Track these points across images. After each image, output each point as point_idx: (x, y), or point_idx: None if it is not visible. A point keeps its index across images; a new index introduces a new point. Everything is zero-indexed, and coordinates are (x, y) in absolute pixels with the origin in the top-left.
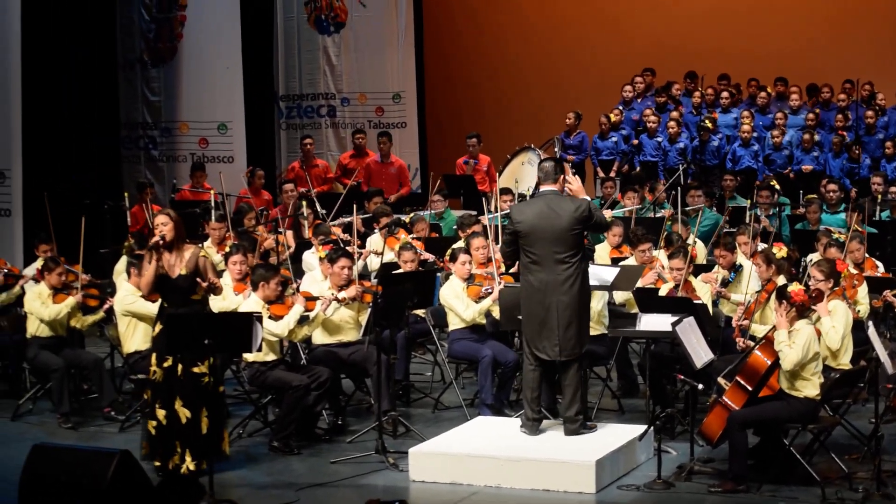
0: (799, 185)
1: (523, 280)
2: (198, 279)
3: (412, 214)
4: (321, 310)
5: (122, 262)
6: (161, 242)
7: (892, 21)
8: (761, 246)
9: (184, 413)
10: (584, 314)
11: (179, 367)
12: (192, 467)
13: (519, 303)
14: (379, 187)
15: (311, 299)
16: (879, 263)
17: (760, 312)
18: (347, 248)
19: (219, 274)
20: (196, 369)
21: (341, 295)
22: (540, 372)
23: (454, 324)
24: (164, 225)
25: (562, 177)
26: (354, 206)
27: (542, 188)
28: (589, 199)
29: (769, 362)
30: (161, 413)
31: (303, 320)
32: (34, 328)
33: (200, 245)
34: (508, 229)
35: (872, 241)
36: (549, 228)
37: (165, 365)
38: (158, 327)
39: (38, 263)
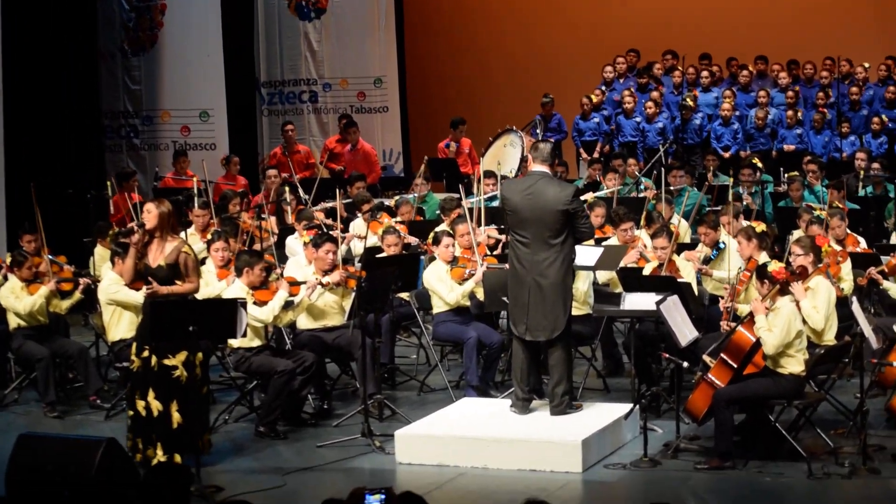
0: (781, 163)
1: (509, 258)
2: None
3: (397, 198)
4: (306, 295)
5: (99, 249)
6: (136, 229)
7: None
8: (744, 224)
9: (155, 406)
10: (558, 298)
11: (153, 358)
12: (162, 460)
13: (503, 284)
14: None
15: (295, 284)
16: (861, 239)
17: (745, 293)
18: (331, 232)
19: (200, 263)
20: (167, 361)
21: (326, 279)
22: (528, 351)
23: (438, 306)
24: (148, 212)
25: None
26: (338, 191)
27: (534, 167)
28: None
29: (754, 339)
30: (140, 404)
31: (287, 305)
32: (15, 321)
33: (186, 241)
34: (501, 206)
35: (855, 218)
36: (532, 208)
37: (143, 355)
38: (139, 318)
39: (8, 259)
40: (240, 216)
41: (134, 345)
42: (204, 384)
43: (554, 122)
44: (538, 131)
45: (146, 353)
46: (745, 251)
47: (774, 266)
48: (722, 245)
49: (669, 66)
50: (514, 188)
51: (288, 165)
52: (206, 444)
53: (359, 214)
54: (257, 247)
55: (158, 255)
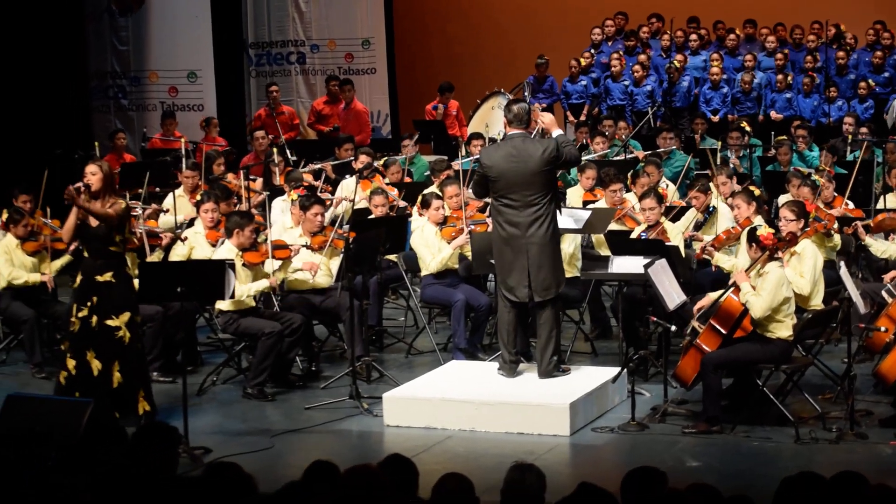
0: (770, 127)
1: (494, 223)
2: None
3: (385, 158)
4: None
5: None
6: (82, 189)
7: None
8: (737, 187)
9: (95, 365)
10: (555, 255)
11: (94, 318)
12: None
13: (490, 247)
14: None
15: (282, 248)
16: (849, 202)
17: (732, 247)
18: (319, 194)
19: (189, 225)
20: (110, 322)
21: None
22: (515, 314)
23: (426, 269)
24: (92, 174)
25: (533, 117)
26: (336, 152)
27: (511, 131)
28: (561, 132)
29: (743, 305)
30: (71, 363)
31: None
32: (4, 281)
33: (125, 202)
34: (478, 172)
35: (842, 182)
36: (517, 171)
37: (81, 315)
38: (79, 278)
39: (4, 216)
40: (225, 177)
41: (74, 306)
42: (138, 341)
43: (547, 85)
44: (527, 94)
45: (84, 313)
46: (744, 214)
47: (763, 231)
48: (712, 209)
49: (655, 30)
50: (494, 154)
51: (274, 127)
52: (148, 413)
53: (347, 177)
54: (244, 207)
55: None
